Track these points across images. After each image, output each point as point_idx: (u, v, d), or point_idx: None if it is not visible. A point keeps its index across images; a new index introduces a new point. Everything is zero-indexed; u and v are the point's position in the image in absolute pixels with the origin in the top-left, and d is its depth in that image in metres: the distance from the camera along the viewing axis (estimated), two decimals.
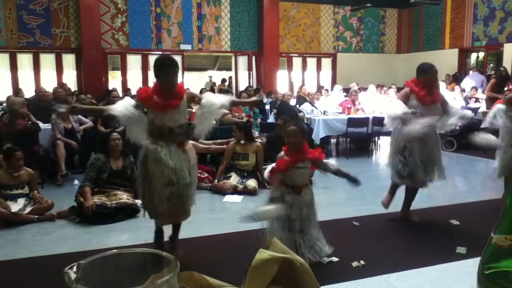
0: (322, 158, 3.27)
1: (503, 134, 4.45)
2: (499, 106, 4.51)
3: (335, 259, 3.26)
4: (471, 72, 12.51)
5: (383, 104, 8.90)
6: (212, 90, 12.17)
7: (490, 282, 0.52)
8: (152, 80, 12.14)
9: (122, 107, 3.11)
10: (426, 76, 3.97)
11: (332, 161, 3.34)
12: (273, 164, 3.26)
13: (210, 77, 16.40)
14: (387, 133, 4.25)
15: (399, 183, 4.12)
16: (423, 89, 3.93)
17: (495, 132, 4.61)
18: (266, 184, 5.39)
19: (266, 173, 3.34)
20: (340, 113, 8.34)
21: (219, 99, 3.33)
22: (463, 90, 10.60)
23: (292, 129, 3.18)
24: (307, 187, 3.23)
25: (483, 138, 4.47)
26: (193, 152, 3.31)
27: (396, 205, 4.31)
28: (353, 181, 3.35)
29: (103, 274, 0.51)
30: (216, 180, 5.55)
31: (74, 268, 0.48)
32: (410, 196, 4.21)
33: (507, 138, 4.39)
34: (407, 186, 4.13)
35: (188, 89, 3.98)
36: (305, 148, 3.23)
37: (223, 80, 14.55)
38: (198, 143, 5.82)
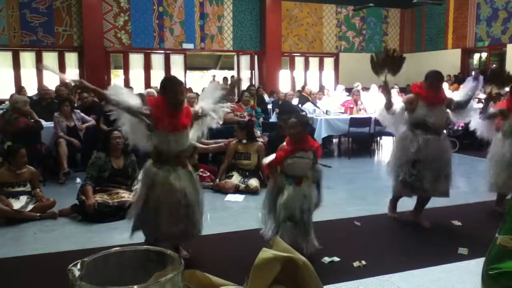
0: (319, 152, 3.34)
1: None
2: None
3: (336, 259, 3.25)
4: (473, 72, 12.51)
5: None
6: None
7: (494, 282, 0.52)
8: (153, 79, 12.17)
9: (125, 99, 2.96)
10: (427, 81, 3.95)
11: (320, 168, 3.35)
12: (274, 155, 3.30)
13: (214, 76, 16.41)
14: (389, 133, 4.22)
15: (404, 195, 4.09)
16: (427, 91, 3.92)
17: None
18: (267, 183, 5.40)
19: (265, 161, 3.37)
20: (342, 113, 8.33)
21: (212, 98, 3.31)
22: None
23: (293, 121, 3.26)
24: (308, 180, 3.24)
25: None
26: (194, 172, 3.27)
27: (398, 206, 4.30)
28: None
29: (106, 271, 0.51)
30: (217, 179, 5.55)
31: (78, 266, 0.48)
32: (423, 201, 4.15)
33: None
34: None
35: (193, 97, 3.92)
36: (307, 139, 3.30)
37: (225, 79, 14.56)
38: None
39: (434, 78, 3.94)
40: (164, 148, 3.05)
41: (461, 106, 4.03)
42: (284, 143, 3.29)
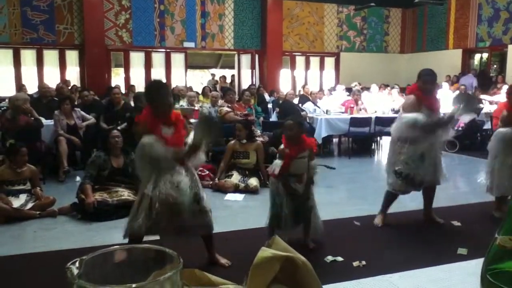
0: (315, 149, 3.50)
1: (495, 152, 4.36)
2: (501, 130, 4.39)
3: (340, 258, 3.25)
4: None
5: (386, 106, 8.87)
6: (214, 88, 12.18)
7: (493, 282, 0.52)
8: (154, 77, 12.16)
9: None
10: (421, 80, 3.85)
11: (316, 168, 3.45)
12: (277, 161, 3.35)
13: (213, 75, 16.42)
14: (389, 133, 4.20)
15: (403, 192, 4.07)
16: (426, 95, 3.83)
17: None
18: (267, 183, 5.39)
19: (271, 169, 3.40)
20: (342, 112, 8.33)
21: None
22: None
23: (289, 123, 3.34)
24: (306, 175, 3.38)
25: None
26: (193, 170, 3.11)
27: (395, 206, 4.30)
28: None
29: (105, 270, 0.51)
30: (217, 179, 5.54)
31: (77, 264, 0.48)
32: (428, 196, 4.15)
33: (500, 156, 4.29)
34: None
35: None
36: (303, 138, 3.39)
37: (224, 78, 14.56)
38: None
39: (422, 81, 3.83)
40: None
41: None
42: (282, 145, 3.37)
